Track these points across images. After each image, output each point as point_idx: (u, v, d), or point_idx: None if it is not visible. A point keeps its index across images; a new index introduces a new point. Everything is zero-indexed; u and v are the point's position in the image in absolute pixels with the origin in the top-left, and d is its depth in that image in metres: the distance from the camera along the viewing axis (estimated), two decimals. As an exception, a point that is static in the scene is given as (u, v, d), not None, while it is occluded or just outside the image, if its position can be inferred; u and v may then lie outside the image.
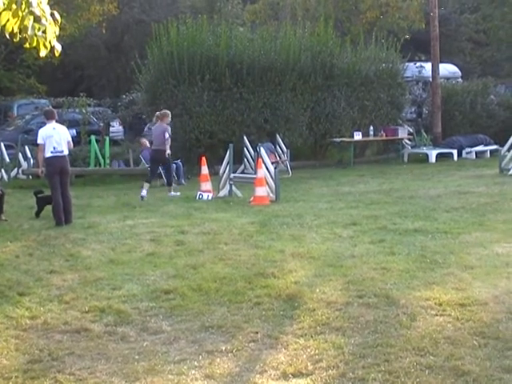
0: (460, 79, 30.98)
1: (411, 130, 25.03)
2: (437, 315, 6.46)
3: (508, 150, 18.64)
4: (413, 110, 27.59)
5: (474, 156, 24.07)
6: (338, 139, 22.78)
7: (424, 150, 23.83)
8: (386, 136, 23.93)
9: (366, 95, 23.73)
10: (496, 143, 23.94)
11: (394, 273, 7.95)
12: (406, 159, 23.68)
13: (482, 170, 19.62)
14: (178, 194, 16.02)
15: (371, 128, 23.46)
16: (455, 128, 25.57)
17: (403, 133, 24.25)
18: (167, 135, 15.94)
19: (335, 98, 22.95)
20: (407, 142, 24.46)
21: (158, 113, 16.72)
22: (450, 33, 36.84)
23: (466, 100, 26.21)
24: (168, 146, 16.00)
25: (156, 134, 16.34)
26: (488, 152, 24.37)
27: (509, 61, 38.73)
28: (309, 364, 5.51)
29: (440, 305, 6.71)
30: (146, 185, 15.68)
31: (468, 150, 24.28)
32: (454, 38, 37.81)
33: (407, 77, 26.63)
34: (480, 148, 24.47)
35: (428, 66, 26.87)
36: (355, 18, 32.19)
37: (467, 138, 24.61)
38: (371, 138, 23.64)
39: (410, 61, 26.98)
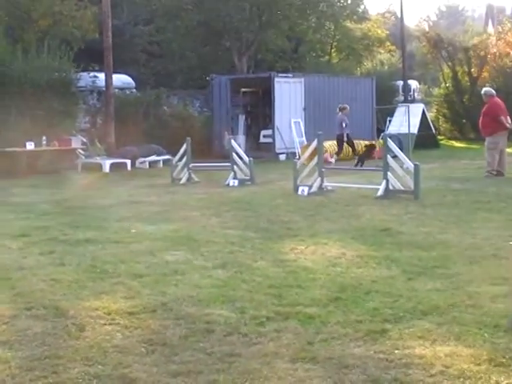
0: (134, 90, 31.54)
1: (85, 140, 25.06)
2: (106, 324, 6.49)
3: (179, 160, 19.32)
4: (87, 119, 27.64)
5: (148, 166, 24.66)
6: (9, 149, 22.16)
7: (98, 159, 23.94)
8: (60, 146, 23.73)
9: (38, 105, 23.34)
10: (168, 153, 24.67)
11: (64, 284, 7.90)
12: (80, 169, 23.62)
13: (155, 179, 20.15)
14: None
15: (44, 138, 23.12)
16: (129, 138, 25.97)
17: (77, 143, 24.20)
18: (344, 124, 23.36)
19: (6, 108, 22.34)
20: (81, 151, 24.43)
21: (340, 105, 24.12)
22: (125, 43, 37.29)
23: (139, 110, 26.77)
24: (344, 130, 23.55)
25: (337, 122, 23.73)
26: (161, 162, 25.08)
27: (181, 72, 40.17)
28: (-29, 383, 5.31)
29: (109, 314, 6.76)
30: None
31: (141, 159, 24.81)
32: (129, 49, 38.36)
33: (81, 86, 26.63)
34: (153, 158, 25.11)
35: (102, 75, 27.06)
36: (28, 26, 31.45)
37: (141, 148, 25.13)
38: (44, 147, 23.28)
39: (84, 70, 27.00)
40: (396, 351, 5.64)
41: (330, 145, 25.37)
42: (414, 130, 29.19)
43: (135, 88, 31.94)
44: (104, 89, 26.41)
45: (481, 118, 18.95)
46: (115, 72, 27.09)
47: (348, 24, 46.67)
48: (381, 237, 10.44)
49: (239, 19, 37.24)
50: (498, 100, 19.10)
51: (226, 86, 30.35)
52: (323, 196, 15.29)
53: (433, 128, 33.88)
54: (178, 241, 10.41)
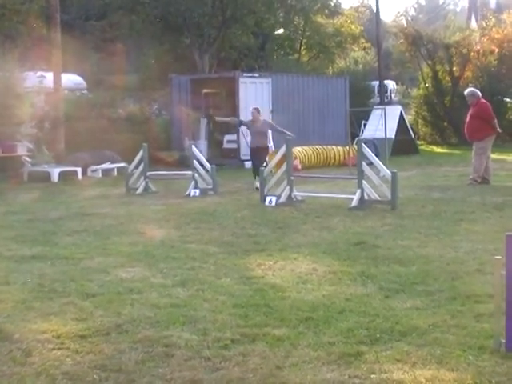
0: (85, 91, 31.38)
1: (31, 146, 24.88)
2: (54, 349, 6.44)
3: (136, 168, 19.24)
4: (33, 123, 27.42)
5: (100, 174, 24.53)
6: None
7: (46, 167, 23.78)
8: (3, 153, 23.56)
9: (-22, 107, 23.21)
10: (123, 160, 24.54)
11: (9, 304, 7.84)
12: (26, 178, 23.45)
13: (109, 189, 20.07)
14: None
15: (-15, 143, 22.98)
16: (80, 144, 25.80)
17: (22, 149, 24.03)
18: None
19: None
20: (27, 159, 24.26)
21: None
22: (75, 40, 37.10)
23: (91, 113, 26.61)
24: None
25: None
26: (115, 170, 24.96)
27: (137, 72, 40.07)
28: None
29: (58, 337, 6.72)
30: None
31: (94, 167, 24.69)
32: (80, 46, 38.15)
33: (27, 87, 26.44)
34: (107, 165, 24.99)
35: (50, 75, 26.88)
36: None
37: (93, 155, 24.99)
38: (-14, 154, 23.14)
39: (30, 70, 26.82)
40: (372, 376, 5.66)
41: (300, 151, 25.46)
42: (391, 134, 29.36)
43: (86, 89, 31.79)
44: (52, 90, 26.23)
45: (468, 120, 18.92)
46: (64, 71, 26.94)
47: (319, 19, 46.87)
48: (355, 251, 10.48)
49: (200, 14, 37.24)
50: (486, 101, 19.19)
51: (186, 86, 30.33)
52: (293, 207, 15.32)
53: (411, 132, 34.09)
54: (133, 256, 10.37)
